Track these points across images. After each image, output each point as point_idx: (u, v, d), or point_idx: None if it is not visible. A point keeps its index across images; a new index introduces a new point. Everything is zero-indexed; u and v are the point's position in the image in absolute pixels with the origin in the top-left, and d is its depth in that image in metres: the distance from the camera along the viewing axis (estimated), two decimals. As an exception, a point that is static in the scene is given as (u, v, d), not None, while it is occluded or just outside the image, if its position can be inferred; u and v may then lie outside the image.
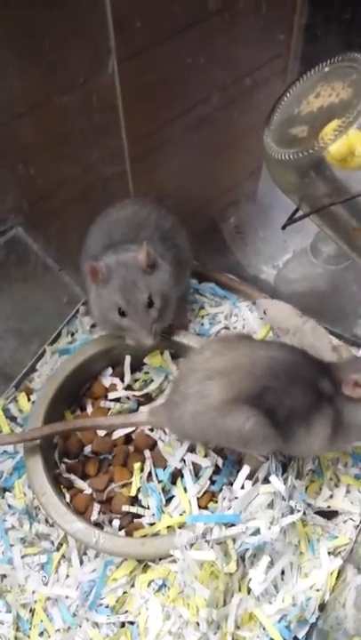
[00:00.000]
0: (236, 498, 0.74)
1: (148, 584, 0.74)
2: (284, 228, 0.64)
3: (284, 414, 0.69)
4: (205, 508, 0.79)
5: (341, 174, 0.60)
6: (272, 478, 0.74)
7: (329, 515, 0.80)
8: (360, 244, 0.66)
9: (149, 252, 0.77)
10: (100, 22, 0.78)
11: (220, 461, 0.81)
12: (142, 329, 0.75)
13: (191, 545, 0.71)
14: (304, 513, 0.75)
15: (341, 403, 0.72)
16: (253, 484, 0.74)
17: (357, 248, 0.68)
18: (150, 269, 0.77)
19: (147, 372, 0.90)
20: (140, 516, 0.79)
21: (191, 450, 0.83)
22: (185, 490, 0.80)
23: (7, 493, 0.82)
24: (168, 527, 0.77)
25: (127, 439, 0.85)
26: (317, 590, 0.74)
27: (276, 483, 0.73)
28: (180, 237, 0.90)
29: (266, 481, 0.75)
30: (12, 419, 0.88)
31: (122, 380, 0.89)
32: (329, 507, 0.81)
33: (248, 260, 1.24)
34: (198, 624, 0.68)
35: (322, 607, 0.74)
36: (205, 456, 0.82)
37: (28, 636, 0.73)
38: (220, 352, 0.72)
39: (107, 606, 0.74)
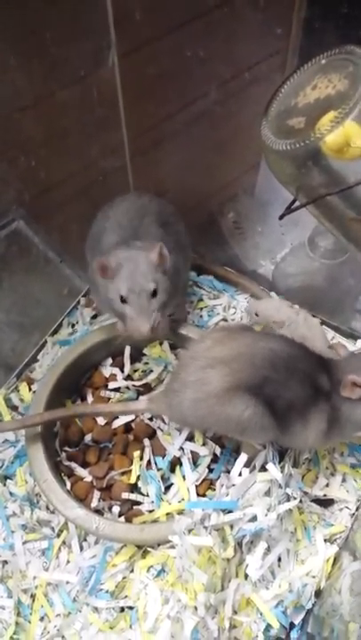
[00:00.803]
0: (233, 485, 0.75)
1: (148, 569, 0.75)
2: (281, 217, 0.65)
3: (282, 406, 0.70)
4: (204, 495, 0.80)
5: (338, 165, 0.61)
6: (269, 466, 0.75)
7: (325, 503, 0.81)
8: (356, 234, 0.67)
9: (163, 253, 0.78)
10: (101, 17, 0.79)
11: (218, 450, 0.83)
12: (141, 315, 0.76)
13: (189, 531, 0.72)
14: (301, 501, 0.77)
15: (338, 400, 0.73)
16: (251, 472, 0.75)
17: (353, 239, 0.69)
18: (161, 268, 0.78)
19: (146, 363, 0.91)
20: (139, 503, 0.80)
21: (190, 438, 0.84)
22: (183, 478, 0.81)
23: (9, 481, 0.83)
24: (167, 514, 0.78)
25: (127, 428, 0.86)
26: (313, 577, 0.75)
27: (273, 470, 0.74)
28: (180, 224, 0.92)
29: (263, 469, 0.76)
30: (14, 408, 0.89)
31: (122, 371, 0.90)
32: (325, 495, 0.82)
33: (246, 254, 1.25)
34: (196, 608, 0.69)
35: (318, 593, 0.75)
36: (204, 445, 0.83)
37: (29, 621, 0.74)
38: (221, 341, 0.73)
39: (106, 591, 0.75)
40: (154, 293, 0.77)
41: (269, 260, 1.25)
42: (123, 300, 0.77)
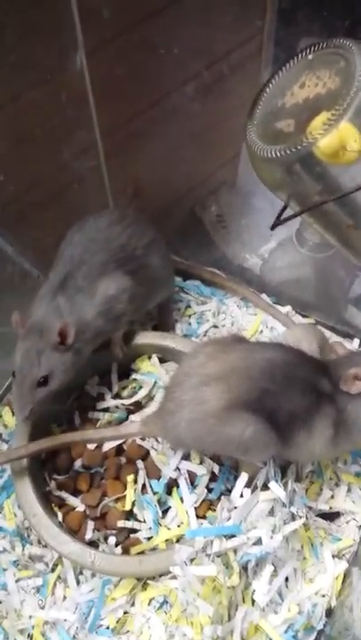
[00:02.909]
0: (235, 507, 0.71)
1: (149, 602, 0.72)
2: (273, 228, 0.61)
3: (283, 418, 0.66)
4: (203, 517, 0.76)
5: (333, 170, 0.57)
6: (271, 485, 0.71)
7: (331, 516, 0.78)
8: (355, 241, 0.63)
9: (67, 331, 0.72)
10: (66, 15, 0.74)
11: (216, 468, 0.78)
12: (19, 402, 0.72)
13: (191, 560, 0.68)
14: (306, 517, 0.73)
15: (342, 401, 0.69)
16: (252, 492, 0.72)
17: (352, 246, 0.64)
18: (63, 347, 0.72)
19: (135, 379, 0.86)
20: (136, 531, 0.76)
21: (186, 457, 0.80)
22: (181, 500, 0.77)
23: (-4, 515, 0.79)
24: (166, 540, 0.74)
25: (118, 450, 0.81)
26: (323, 596, 0.72)
27: (276, 489, 0.71)
28: (155, 255, 0.86)
29: (265, 487, 0.72)
30: (-3, 434, 0.85)
31: (110, 389, 0.85)
32: (331, 508, 0.78)
33: (231, 249, 1.21)
34: (203, 642, 0.65)
35: (329, 613, 0.72)
36: (201, 463, 0.79)
37: (27, 663, 0.71)
38: (214, 356, 0.69)
39: (107, 627, 0.71)
40: (44, 382, 0.72)
41: (255, 254, 1.21)
42: (12, 374, 0.73)
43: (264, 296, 0.99)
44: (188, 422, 0.67)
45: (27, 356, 0.72)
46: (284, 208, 0.61)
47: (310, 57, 0.60)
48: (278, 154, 0.55)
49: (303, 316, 0.98)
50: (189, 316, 0.97)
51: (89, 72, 0.82)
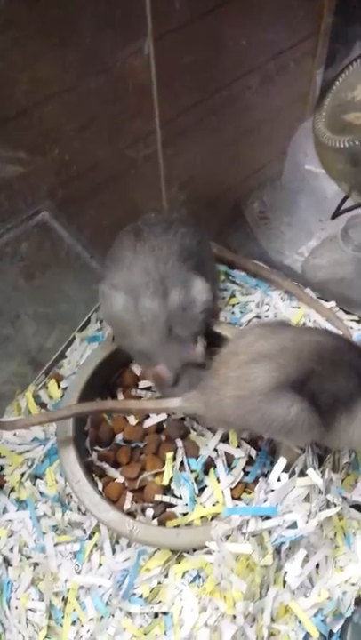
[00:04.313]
0: (272, 490, 0.72)
1: (183, 575, 0.73)
2: (333, 217, 0.62)
3: (327, 401, 0.68)
4: (238, 499, 0.78)
5: None
6: (309, 471, 0.72)
7: (365, 508, 0.79)
8: None
9: (204, 345, 0.79)
10: (138, 2, 0.76)
11: (253, 452, 0.81)
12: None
13: (227, 537, 0.70)
14: (341, 507, 0.74)
15: None
16: (290, 477, 0.73)
17: None
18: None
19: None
20: (172, 506, 0.78)
21: (224, 440, 0.82)
22: (218, 480, 0.79)
23: (39, 480, 0.81)
24: (201, 517, 0.76)
25: (159, 428, 0.84)
26: (353, 584, 0.73)
27: (314, 476, 0.72)
28: (206, 251, 0.89)
29: (302, 474, 0.73)
30: (43, 405, 0.88)
31: (154, 369, 0.87)
32: (365, 500, 0.79)
33: (272, 245, 1.22)
34: (235, 617, 0.67)
35: (358, 601, 0.73)
36: (238, 446, 0.81)
37: (61, 625, 0.73)
38: (264, 335, 0.70)
39: (140, 596, 0.73)
40: None
41: (295, 252, 1.22)
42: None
43: (308, 290, 1.00)
44: (234, 399, 0.68)
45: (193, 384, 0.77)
46: (345, 198, 0.62)
47: (381, 53, 0.61)
48: (347, 144, 0.57)
49: (347, 313, 0.99)
50: (233, 305, 0.99)
51: (155, 60, 0.84)
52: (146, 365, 0.80)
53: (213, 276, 0.93)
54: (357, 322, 0.98)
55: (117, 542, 0.77)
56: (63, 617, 0.73)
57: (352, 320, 0.98)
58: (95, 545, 0.77)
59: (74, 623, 0.73)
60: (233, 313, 0.98)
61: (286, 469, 0.73)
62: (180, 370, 0.77)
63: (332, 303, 0.98)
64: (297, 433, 0.68)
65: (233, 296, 1.00)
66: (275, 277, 1.01)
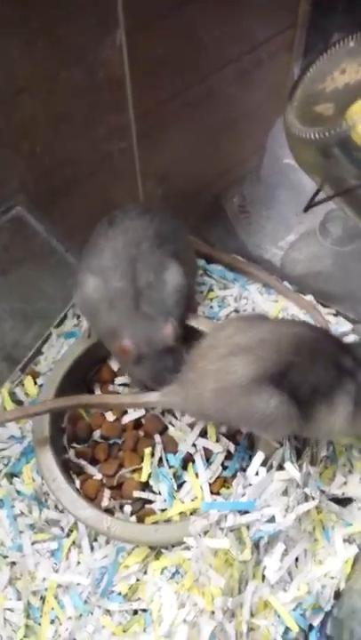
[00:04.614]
0: (250, 484, 0.72)
1: (162, 571, 0.73)
2: (305, 210, 0.62)
3: (306, 392, 0.68)
4: (217, 493, 0.78)
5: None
6: (287, 465, 0.73)
7: (343, 502, 0.79)
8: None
9: (175, 328, 0.77)
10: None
11: (231, 447, 0.80)
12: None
13: (205, 532, 0.70)
14: (319, 500, 0.74)
15: None
16: (268, 471, 0.73)
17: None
18: (174, 341, 0.77)
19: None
20: (150, 502, 0.77)
21: (202, 435, 0.81)
22: (196, 475, 0.79)
23: (15, 479, 0.80)
24: (180, 513, 0.76)
25: (137, 424, 0.83)
26: (332, 578, 0.73)
27: (292, 470, 0.72)
28: (182, 241, 0.89)
29: (280, 467, 0.73)
30: (19, 402, 0.86)
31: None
32: (343, 493, 0.79)
33: (252, 239, 1.22)
34: (213, 613, 0.67)
35: (337, 595, 0.73)
36: (217, 441, 0.81)
37: (39, 624, 0.72)
38: (242, 328, 0.70)
39: (119, 593, 0.72)
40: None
41: (275, 246, 1.22)
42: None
43: (286, 283, 1.00)
44: (213, 392, 0.68)
45: (158, 372, 0.77)
46: (318, 191, 0.62)
47: (352, 44, 0.61)
48: (317, 136, 0.56)
49: (325, 307, 0.99)
50: (211, 300, 0.99)
51: (128, 52, 0.83)
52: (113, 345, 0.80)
53: (191, 267, 0.93)
54: (335, 315, 0.98)
55: (95, 540, 0.76)
56: (41, 616, 0.72)
57: (330, 314, 0.98)
58: (73, 543, 0.76)
59: (52, 622, 0.72)
60: (211, 307, 0.97)
61: (264, 463, 0.73)
62: (146, 347, 0.76)
63: (310, 297, 0.98)
64: (276, 425, 0.68)
65: (211, 290, 0.99)
66: (251, 269, 1.01)
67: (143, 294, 0.78)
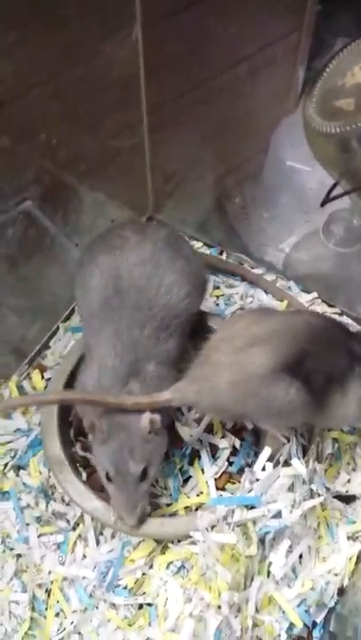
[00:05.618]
0: (257, 480, 0.72)
1: (167, 566, 0.73)
2: (323, 204, 0.62)
3: (320, 380, 0.68)
4: (223, 489, 0.78)
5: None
6: (293, 461, 0.73)
7: (347, 499, 0.80)
8: None
9: (155, 420, 0.69)
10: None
11: (237, 443, 0.80)
12: (126, 507, 0.68)
13: (212, 527, 0.70)
14: (324, 497, 0.75)
15: None
16: (274, 467, 0.73)
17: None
18: (152, 435, 0.69)
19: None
20: (156, 496, 0.78)
21: (208, 430, 0.81)
22: (202, 471, 0.79)
23: (22, 471, 0.80)
24: (185, 508, 0.76)
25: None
26: (336, 575, 0.74)
27: (298, 466, 0.72)
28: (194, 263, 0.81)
29: (286, 464, 0.74)
30: (26, 396, 0.86)
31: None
32: (347, 491, 0.80)
33: (253, 241, 1.22)
34: (220, 607, 0.67)
35: (341, 592, 0.73)
36: (223, 437, 0.81)
37: (44, 617, 0.72)
38: (255, 320, 0.70)
39: (124, 587, 0.73)
40: (143, 477, 0.68)
41: (276, 248, 1.22)
42: (108, 479, 0.69)
43: (292, 283, 1.00)
44: (230, 384, 0.67)
45: (120, 458, 0.68)
46: (335, 185, 0.62)
47: (372, 40, 0.62)
48: (338, 130, 0.57)
49: (329, 306, 0.99)
50: (217, 297, 0.99)
51: (143, 47, 0.83)
52: None
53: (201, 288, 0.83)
54: (340, 315, 0.98)
55: (101, 533, 0.76)
56: (46, 609, 0.72)
57: (334, 313, 0.99)
58: (79, 536, 0.76)
59: (57, 615, 0.72)
60: (217, 305, 0.98)
61: (271, 459, 0.73)
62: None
63: (314, 294, 0.99)
64: (293, 414, 0.68)
65: (217, 288, 1.00)
66: (254, 277, 1.01)
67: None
